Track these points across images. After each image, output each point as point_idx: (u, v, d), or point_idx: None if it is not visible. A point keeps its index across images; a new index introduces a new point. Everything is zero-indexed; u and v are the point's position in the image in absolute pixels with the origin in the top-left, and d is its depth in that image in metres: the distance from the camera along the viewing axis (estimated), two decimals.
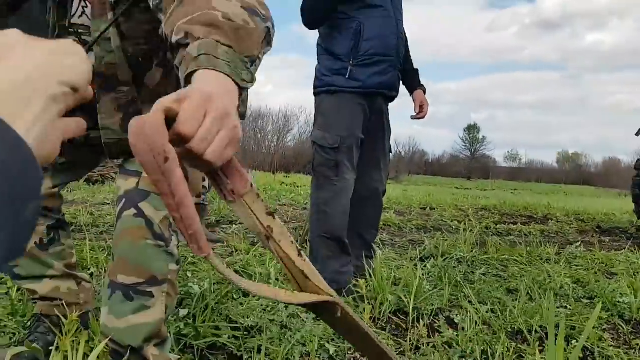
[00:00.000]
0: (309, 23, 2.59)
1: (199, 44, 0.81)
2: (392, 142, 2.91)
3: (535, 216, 7.06)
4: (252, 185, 0.72)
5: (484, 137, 72.09)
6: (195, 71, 0.77)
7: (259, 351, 1.69)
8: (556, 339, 1.57)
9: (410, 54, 2.94)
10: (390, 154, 2.93)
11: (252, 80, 0.84)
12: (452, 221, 5.79)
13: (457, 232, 4.22)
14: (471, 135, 71.25)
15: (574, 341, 2.13)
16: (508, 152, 77.83)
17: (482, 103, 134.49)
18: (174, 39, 0.86)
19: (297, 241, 3.15)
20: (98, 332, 1.49)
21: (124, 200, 1.34)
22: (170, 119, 0.60)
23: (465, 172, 64.00)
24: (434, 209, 7.19)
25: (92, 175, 7.50)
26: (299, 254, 0.75)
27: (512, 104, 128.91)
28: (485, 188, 27.53)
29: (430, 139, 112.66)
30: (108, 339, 1.32)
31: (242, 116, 3.37)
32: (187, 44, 0.82)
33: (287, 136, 34.87)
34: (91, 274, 2.39)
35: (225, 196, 0.71)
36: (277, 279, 2.45)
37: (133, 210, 1.30)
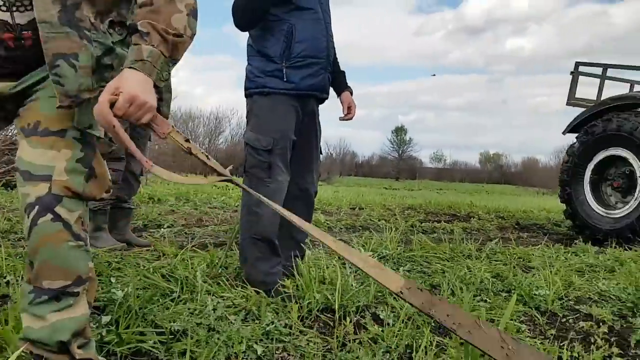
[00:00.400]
0: (241, 25, 2.58)
1: (150, 50, 1.28)
2: (323, 144, 2.94)
3: (459, 214, 7.35)
4: (173, 126, 1.36)
5: (410, 138, 74.16)
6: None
7: (184, 355, 1.68)
8: None
9: (345, 56, 2.99)
10: (321, 155, 2.97)
11: (168, 78, 1.38)
12: (379, 220, 5.94)
13: (385, 231, 4.32)
14: (399, 137, 73.10)
15: None
16: (434, 153, 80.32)
17: (411, 105, 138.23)
18: (139, 26, 1.29)
19: (227, 243, 3.06)
20: (12, 339, 1.44)
21: (36, 207, 1.31)
22: (112, 103, 1.22)
23: (394, 172, 65.52)
24: (363, 209, 7.33)
25: (10, 180, 7.13)
26: (207, 158, 1.42)
27: (440, 107, 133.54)
28: (413, 188, 28.34)
29: (361, 140, 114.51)
30: (28, 342, 1.32)
31: (165, 117, 3.27)
32: (144, 40, 1.28)
33: (219, 138, 34.30)
34: (7, 282, 2.27)
35: (159, 136, 1.35)
36: (204, 281, 2.42)
37: (50, 216, 1.31)
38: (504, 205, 9.41)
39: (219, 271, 2.74)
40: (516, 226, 6.52)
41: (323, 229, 5.24)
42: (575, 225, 5.81)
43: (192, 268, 2.62)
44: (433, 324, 2.30)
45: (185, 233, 4.32)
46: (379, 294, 2.60)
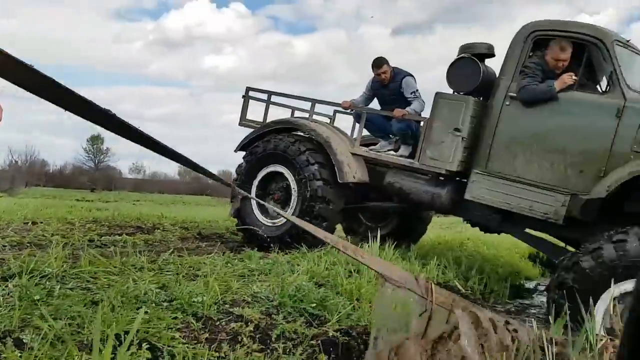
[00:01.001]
0: None
1: None
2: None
3: (144, 226, 7.28)
4: None
5: (108, 148, 70.36)
6: None
7: None
8: (106, 346, 1.69)
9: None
10: None
11: None
12: (53, 235, 5.50)
13: (52, 247, 4.03)
14: (95, 146, 68.75)
15: (145, 344, 2.31)
16: (133, 164, 77.34)
17: None
18: None
19: None
20: None
21: None
22: None
23: (90, 183, 61.38)
24: (38, 223, 6.68)
25: None
26: None
27: (141, 116, 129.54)
28: (108, 200, 26.94)
29: (53, 148, 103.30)
30: None
31: None
32: None
33: None
34: None
35: None
36: None
37: None
38: (192, 216, 9.69)
39: None
40: (197, 236, 6.78)
41: None
42: (245, 235, 6.36)
43: None
44: (85, 342, 2.25)
45: None
46: (28, 318, 2.42)
